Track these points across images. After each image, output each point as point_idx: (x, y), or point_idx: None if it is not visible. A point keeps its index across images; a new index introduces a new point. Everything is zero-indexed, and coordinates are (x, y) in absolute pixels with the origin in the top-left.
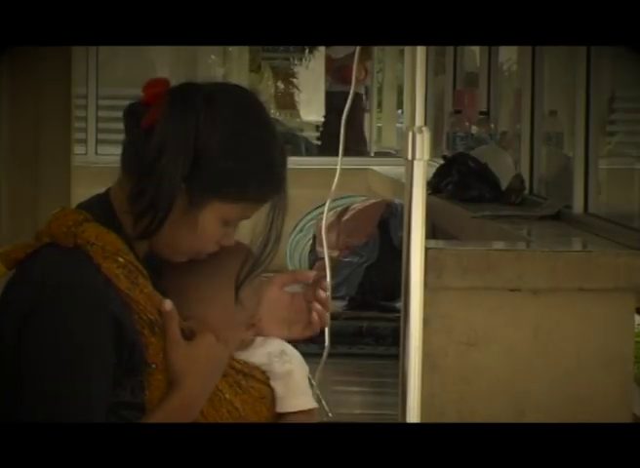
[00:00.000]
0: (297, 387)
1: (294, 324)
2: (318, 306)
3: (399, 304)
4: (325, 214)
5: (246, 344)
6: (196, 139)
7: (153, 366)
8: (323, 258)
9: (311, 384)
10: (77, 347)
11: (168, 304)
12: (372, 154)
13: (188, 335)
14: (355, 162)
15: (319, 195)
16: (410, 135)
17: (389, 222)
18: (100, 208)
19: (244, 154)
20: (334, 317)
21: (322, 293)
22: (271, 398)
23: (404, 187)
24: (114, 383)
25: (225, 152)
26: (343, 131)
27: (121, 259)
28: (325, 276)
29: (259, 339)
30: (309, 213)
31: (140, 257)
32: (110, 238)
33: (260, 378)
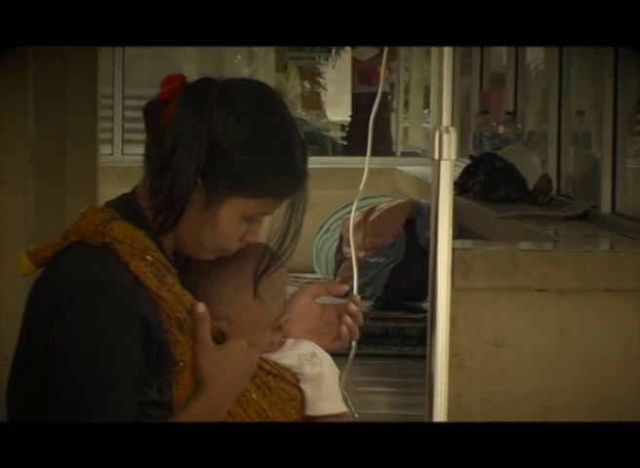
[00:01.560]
0: (327, 390)
1: (323, 335)
2: (349, 319)
3: (426, 305)
4: (352, 215)
5: (277, 346)
6: (210, 134)
7: (181, 364)
8: (349, 259)
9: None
10: (105, 346)
11: (201, 307)
12: (398, 154)
13: (219, 338)
14: (381, 162)
15: (345, 195)
16: (437, 134)
17: (416, 222)
18: (126, 206)
19: (261, 149)
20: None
21: (353, 307)
22: (301, 400)
23: (430, 187)
24: (142, 382)
25: (241, 147)
26: (371, 131)
27: (149, 257)
28: (352, 287)
29: (289, 342)
30: (336, 213)
31: (169, 255)
32: (138, 236)
33: (290, 380)
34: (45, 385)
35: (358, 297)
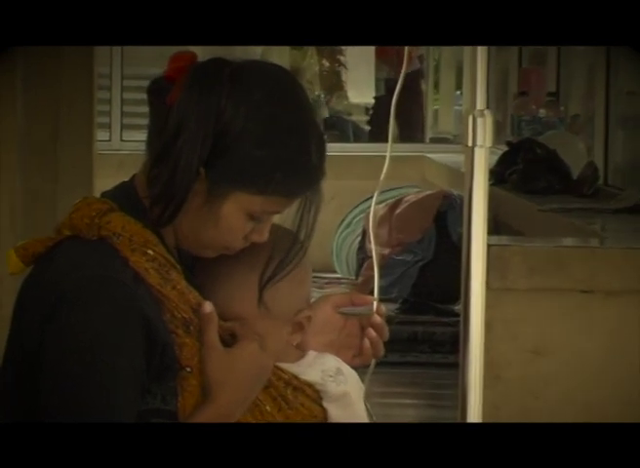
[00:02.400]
0: (353, 411)
1: (343, 349)
2: (372, 333)
3: (458, 307)
4: (374, 207)
5: (295, 358)
6: (218, 121)
7: (188, 370)
8: (372, 257)
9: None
10: (103, 349)
11: (207, 306)
12: (427, 140)
13: (228, 340)
14: (409, 149)
15: (369, 186)
16: (470, 119)
17: (447, 216)
18: (125, 196)
19: (273, 141)
20: (385, 320)
21: (378, 319)
22: (323, 418)
23: (463, 177)
24: (144, 389)
25: (251, 138)
26: (393, 114)
27: (150, 252)
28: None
29: (310, 355)
30: (358, 206)
31: (172, 249)
32: (138, 228)
33: (311, 395)
34: (38, 384)
35: (383, 308)
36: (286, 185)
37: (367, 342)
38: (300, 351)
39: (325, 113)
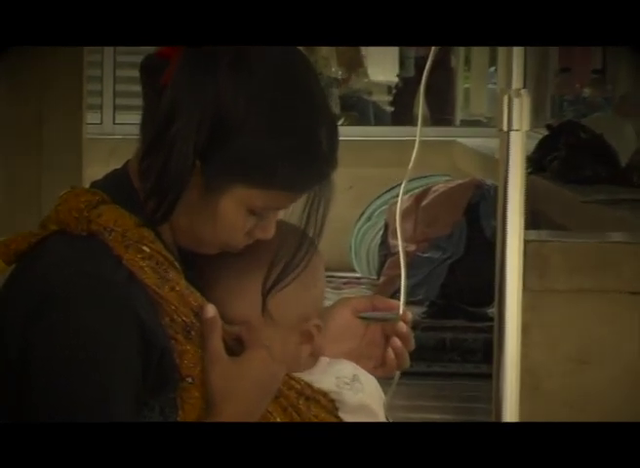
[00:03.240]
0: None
1: (363, 359)
2: (397, 343)
3: (491, 311)
4: (400, 198)
5: (307, 367)
6: (216, 105)
7: (189, 380)
8: (397, 253)
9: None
10: (93, 358)
11: (210, 310)
12: (457, 123)
13: (234, 347)
14: (437, 132)
15: (391, 174)
16: (505, 99)
17: (479, 208)
18: (117, 186)
19: (277, 131)
20: (411, 327)
21: (403, 327)
22: None
23: (497, 164)
24: (139, 401)
25: (252, 127)
26: (423, 94)
27: (146, 249)
28: (400, 289)
29: (324, 361)
30: (380, 196)
31: (170, 247)
32: (132, 223)
33: (326, 406)
34: (24, 385)
35: (410, 315)
36: (291, 179)
37: (390, 352)
38: (314, 359)
39: (343, 91)
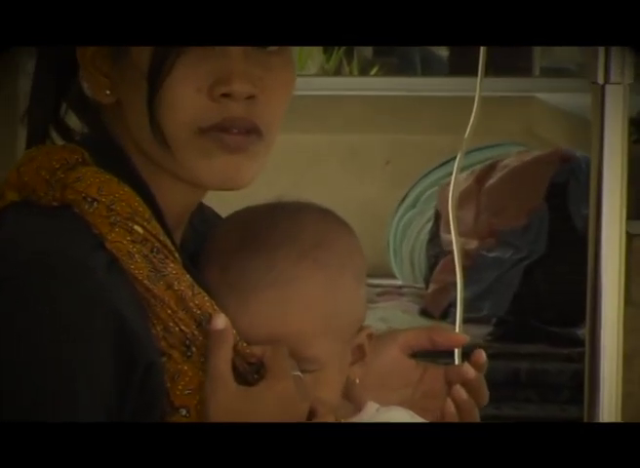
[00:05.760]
0: None
1: (418, 411)
2: (462, 394)
3: (583, 332)
4: (454, 177)
5: (348, 412)
6: None
7: (183, 412)
8: (451, 253)
9: None
10: (54, 372)
11: (220, 320)
12: (536, 73)
13: (247, 373)
14: (508, 85)
15: (444, 143)
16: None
17: (567, 190)
18: (102, 140)
19: None
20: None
21: (471, 372)
22: None
23: (590, 129)
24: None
25: None
26: None
27: (139, 229)
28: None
29: (371, 406)
30: (428, 174)
31: (172, 229)
32: (123, 192)
33: None
34: None
35: (483, 355)
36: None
37: (451, 406)
38: (356, 405)
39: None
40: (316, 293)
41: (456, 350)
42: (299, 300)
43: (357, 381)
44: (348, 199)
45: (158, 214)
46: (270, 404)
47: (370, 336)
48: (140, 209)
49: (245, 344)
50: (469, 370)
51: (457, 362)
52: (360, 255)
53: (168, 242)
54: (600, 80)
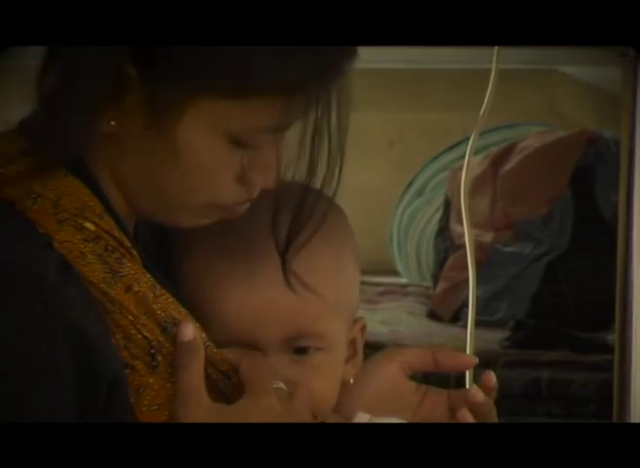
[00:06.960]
0: None
1: None
2: (468, 418)
3: (612, 337)
4: (466, 161)
5: (338, 421)
6: None
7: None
8: (463, 246)
9: None
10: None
11: (188, 330)
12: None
13: (223, 385)
14: (528, 56)
15: (454, 122)
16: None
17: (594, 175)
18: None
19: None
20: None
21: (480, 396)
22: None
23: (620, 106)
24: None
25: None
26: None
27: (90, 226)
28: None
29: (362, 416)
30: (437, 157)
31: (125, 223)
32: (71, 186)
33: None
34: None
35: (494, 378)
36: (279, 71)
37: None
38: (345, 415)
39: None
40: (325, 265)
41: (467, 373)
42: (309, 272)
43: (352, 381)
44: (346, 186)
45: (110, 207)
46: (249, 415)
47: (363, 329)
48: (91, 203)
49: (215, 349)
50: (478, 394)
51: (467, 386)
52: (355, 240)
53: (124, 238)
54: (631, 51)
